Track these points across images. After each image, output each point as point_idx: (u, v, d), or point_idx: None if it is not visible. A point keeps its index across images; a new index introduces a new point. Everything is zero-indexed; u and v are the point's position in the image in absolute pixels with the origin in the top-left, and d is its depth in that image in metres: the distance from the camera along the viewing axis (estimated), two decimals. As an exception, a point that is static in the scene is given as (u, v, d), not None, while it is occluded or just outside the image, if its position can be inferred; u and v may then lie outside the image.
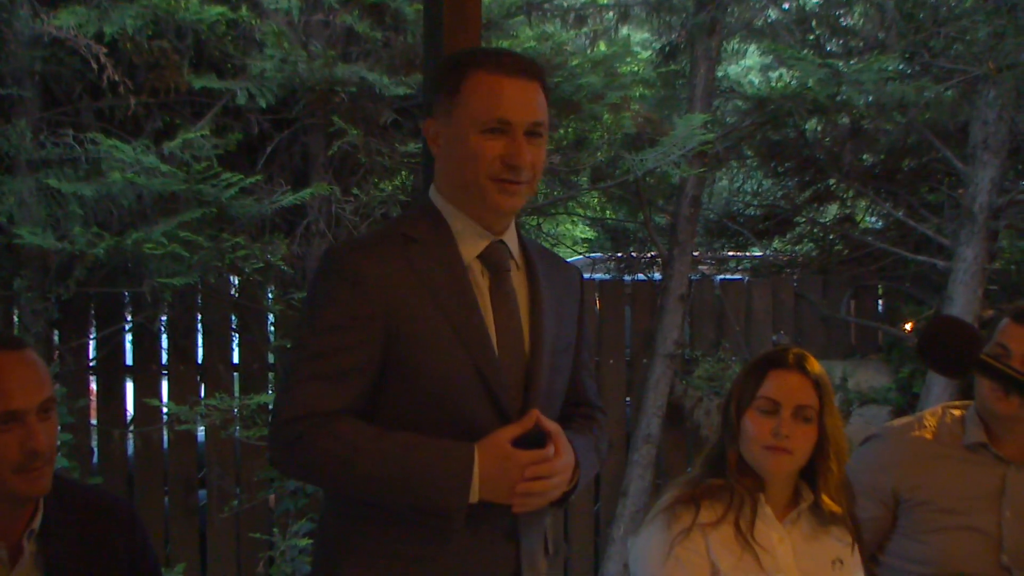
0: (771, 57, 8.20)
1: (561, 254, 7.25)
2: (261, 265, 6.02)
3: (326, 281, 2.49)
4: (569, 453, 2.51)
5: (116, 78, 5.68)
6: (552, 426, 2.49)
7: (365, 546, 2.50)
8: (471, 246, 2.54)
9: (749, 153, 8.38)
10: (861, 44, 7.74)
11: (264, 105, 6.02)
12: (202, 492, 6.64)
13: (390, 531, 2.47)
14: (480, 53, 2.64)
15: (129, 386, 6.63)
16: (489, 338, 2.49)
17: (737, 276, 8.60)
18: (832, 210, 8.95)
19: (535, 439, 2.47)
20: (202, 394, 6.48)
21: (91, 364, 6.51)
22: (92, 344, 6.53)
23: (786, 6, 7.86)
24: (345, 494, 2.54)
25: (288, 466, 2.53)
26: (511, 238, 2.62)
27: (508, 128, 2.46)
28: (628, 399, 7.36)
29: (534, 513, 2.55)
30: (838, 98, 6.99)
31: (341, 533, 2.56)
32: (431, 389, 2.44)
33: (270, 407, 6.21)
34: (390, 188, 6.30)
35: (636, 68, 7.79)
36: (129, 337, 6.57)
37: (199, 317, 6.69)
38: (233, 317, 6.71)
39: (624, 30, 8.04)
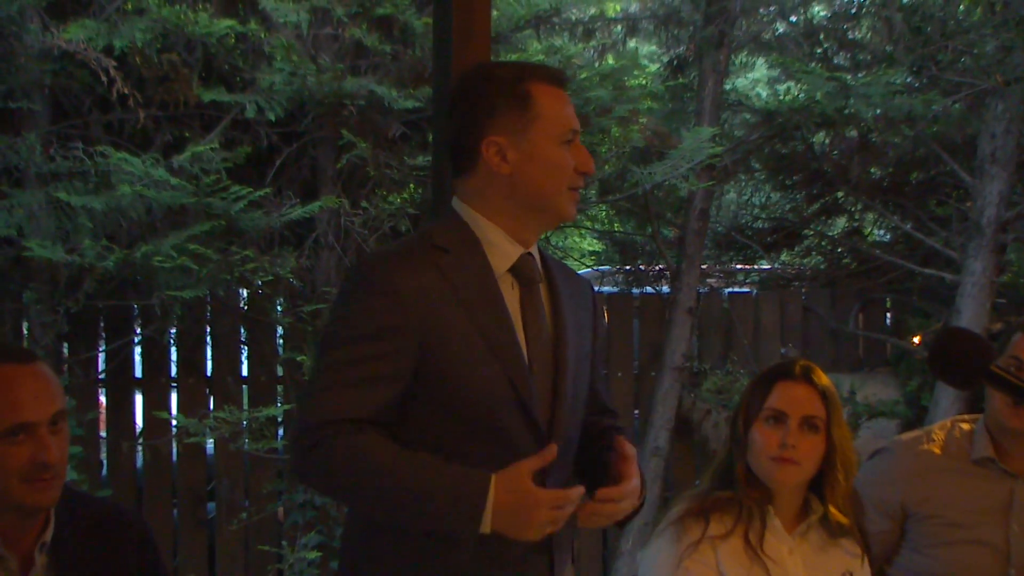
0: (779, 70, 8.20)
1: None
2: (270, 278, 6.03)
3: (358, 291, 2.48)
4: (638, 476, 2.54)
5: (125, 91, 5.70)
6: (629, 451, 2.54)
7: (392, 560, 2.49)
8: (503, 258, 2.55)
9: (757, 166, 8.37)
10: (869, 57, 7.74)
11: (273, 118, 6.04)
12: (211, 504, 6.65)
13: (419, 543, 2.46)
14: (528, 66, 2.66)
15: (138, 399, 6.65)
16: (520, 350, 2.49)
17: (745, 289, 8.60)
18: (840, 223, 8.94)
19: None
20: (211, 406, 6.49)
21: (100, 377, 6.53)
22: (101, 357, 6.55)
23: (794, 19, 7.86)
24: (357, 507, 2.53)
25: (305, 474, 2.50)
26: (535, 251, 2.63)
27: (574, 137, 2.54)
28: (636, 412, 7.35)
29: (564, 524, 2.55)
30: (846, 111, 7.00)
31: (367, 545, 2.55)
32: (464, 401, 2.44)
33: (279, 419, 6.23)
34: (399, 201, 6.30)
35: (644, 81, 7.79)
36: (138, 350, 6.59)
37: (208, 330, 6.70)
38: (242, 330, 6.72)
39: (632, 43, 8.04)
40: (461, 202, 2.60)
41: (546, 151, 2.50)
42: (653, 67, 8.45)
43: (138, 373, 6.66)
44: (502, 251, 2.55)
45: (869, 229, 8.89)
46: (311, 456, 2.40)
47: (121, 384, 6.58)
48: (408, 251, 2.56)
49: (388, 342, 2.41)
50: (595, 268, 9.25)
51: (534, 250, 2.62)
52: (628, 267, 8.42)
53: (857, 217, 8.73)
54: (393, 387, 2.41)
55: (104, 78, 5.64)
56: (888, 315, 8.24)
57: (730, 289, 8.46)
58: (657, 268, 8.16)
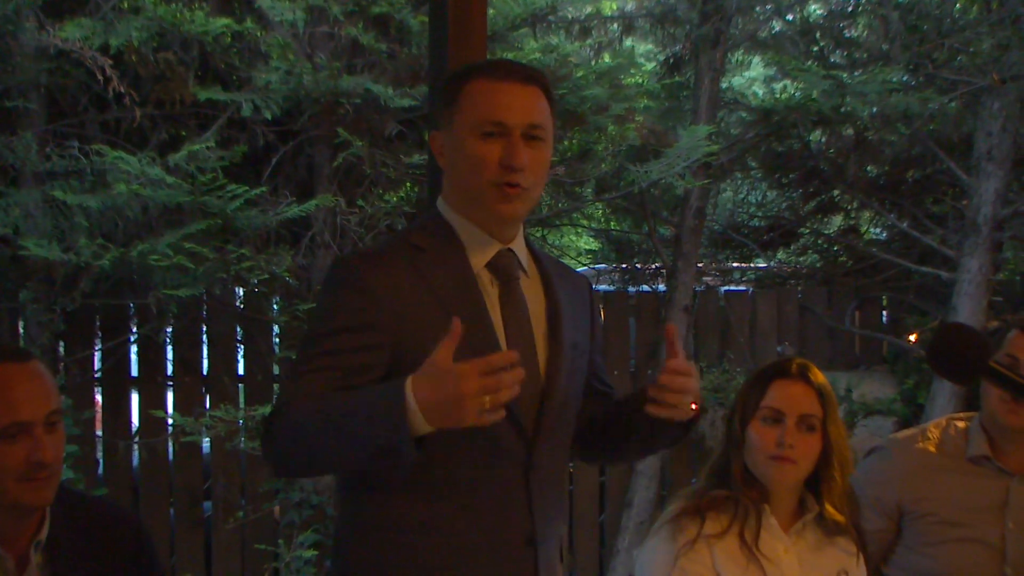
0: (775, 69, 8.21)
1: (566, 265, 7.20)
2: (266, 276, 6.02)
3: (334, 290, 2.49)
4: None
5: (122, 90, 5.69)
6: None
7: (381, 557, 2.49)
8: (479, 255, 2.54)
9: (753, 164, 8.39)
10: (865, 56, 7.75)
11: (269, 117, 6.03)
12: (207, 503, 6.64)
13: (406, 540, 2.46)
14: (478, 63, 2.66)
15: (134, 397, 6.64)
16: (499, 346, 2.47)
17: (742, 287, 8.61)
18: (836, 221, 8.95)
19: None
20: (207, 405, 6.48)
21: (96, 376, 6.51)
22: (97, 356, 6.52)
23: (790, 18, 7.86)
24: (313, 466, 2.52)
25: (268, 455, 2.46)
26: (520, 247, 2.62)
27: (504, 130, 2.46)
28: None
29: (550, 520, 2.57)
30: (842, 109, 7.01)
31: (356, 544, 2.55)
32: None
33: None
34: (395, 200, 6.30)
35: (640, 80, 7.79)
36: (134, 349, 6.58)
37: (204, 329, 6.69)
38: (238, 328, 6.71)
39: (628, 42, 8.04)
40: (442, 199, 2.63)
41: (462, 143, 2.49)
42: (649, 65, 8.45)
43: (134, 372, 6.64)
44: (478, 248, 2.55)
45: (865, 227, 8.91)
46: (267, 437, 2.41)
47: (117, 383, 6.57)
48: (384, 250, 2.60)
49: (360, 337, 2.41)
50: (591, 266, 9.26)
51: (517, 246, 2.61)
52: (624, 265, 8.43)
53: (853, 215, 8.75)
54: (360, 378, 2.39)
55: (100, 77, 5.62)
56: (884, 313, 8.25)
57: (726, 287, 8.47)
58: (653, 266, 8.18)
